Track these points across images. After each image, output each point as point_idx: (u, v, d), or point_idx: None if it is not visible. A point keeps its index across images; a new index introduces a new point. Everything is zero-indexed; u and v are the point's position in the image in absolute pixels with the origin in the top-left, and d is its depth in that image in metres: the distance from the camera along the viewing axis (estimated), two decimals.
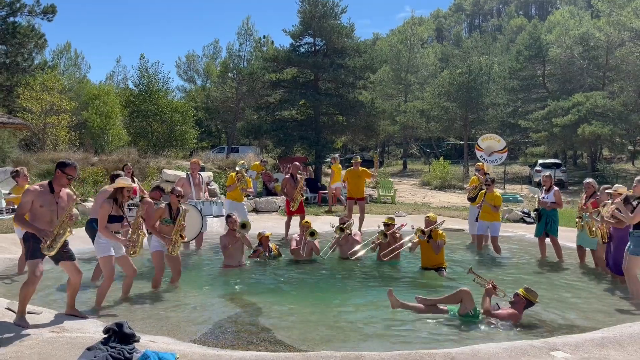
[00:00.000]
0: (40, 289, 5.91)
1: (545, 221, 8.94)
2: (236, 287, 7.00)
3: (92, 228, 6.79)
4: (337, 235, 8.73)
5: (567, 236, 9.77)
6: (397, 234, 8.45)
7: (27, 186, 6.58)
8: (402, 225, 8.75)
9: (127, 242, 5.90)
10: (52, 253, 4.99)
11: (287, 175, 10.61)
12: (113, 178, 7.36)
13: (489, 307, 5.63)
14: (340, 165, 14.77)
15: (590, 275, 7.97)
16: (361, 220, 11.10)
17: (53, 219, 5.02)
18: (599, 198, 7.95)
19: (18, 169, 7.44)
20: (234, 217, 8.27)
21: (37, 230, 4.91)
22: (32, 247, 4.96)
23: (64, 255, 5.15)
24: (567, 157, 38.16)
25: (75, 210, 7.14)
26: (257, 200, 14.76)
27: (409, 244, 8.20)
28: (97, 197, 7.06)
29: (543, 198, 9.02)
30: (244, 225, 8.40)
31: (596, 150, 33.47)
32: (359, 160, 11.30)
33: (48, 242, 4.92)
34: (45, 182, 5.19)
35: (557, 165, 26.91)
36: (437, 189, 24.08)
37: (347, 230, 8.76)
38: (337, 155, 16.57)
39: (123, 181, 5.90)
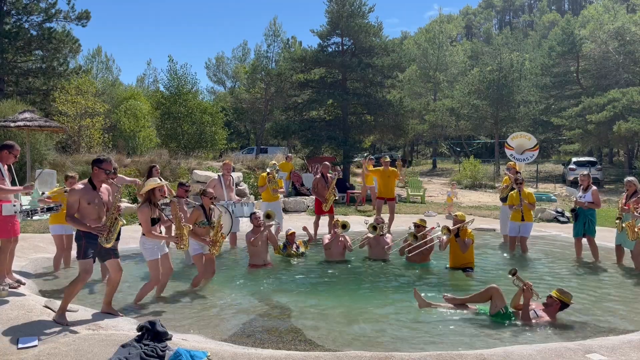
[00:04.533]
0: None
1: (583, 221, 8.72)
2: (266, 286, 7.04)
3: None
4: (370, 234, 8.68)
5: (604, 236, 9.52)
6: (427, 236, 8.38)
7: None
8: (432, 228, 8.68)
9: (175, 239, 6.04)
10: (110, 245, 5.17)
11: (318, 176, 10.60)
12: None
13: (521, 307, 5.50)
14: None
15: (629, 276, 7.74)
16: (391, 220, 11.01)
17: (100, 214, 5.17)
18: None
19: (72, 174, 7.55)
20: (257, 213, 8.37)
21: (92, 228, 5.05)
22: (85, 247, 5.11)
23: (111, 252, 5.30)
24: (603, 155, 37.18)
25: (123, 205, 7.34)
26: (286, 200, 14.83)
27: (437, 241, 8.14)
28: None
29: (580, 197, 8.79)
30: (268, 216, 8.53)
31: (633, 148, 32.54)
32: (388, 159, 11.20)
33: (105, 235, 5.10)
34: (85, 180, 5.32)
35: (592, 163, 26.19)
36: (468, 188, 23.76)
37: (379, 231, 8.69)
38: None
39: (152, 182, 6.01)
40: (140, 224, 5.91)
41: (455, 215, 8.07)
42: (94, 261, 5.24)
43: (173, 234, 6.17)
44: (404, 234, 9.14)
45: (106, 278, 6.97)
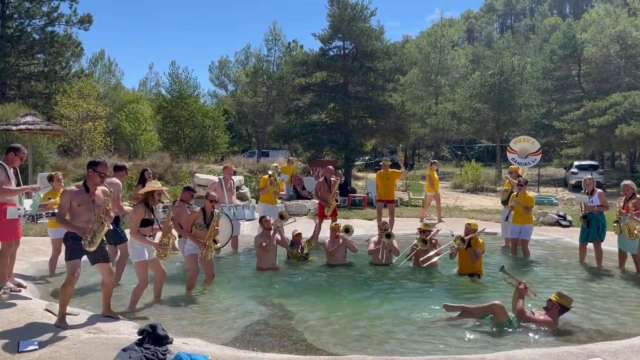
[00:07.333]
0: (77, 291, 6.05)
1: (597, 226, 8.57)
2: (268, 289, 7.02)
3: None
4: (384, 241, 8.44)
5: (606, 240, 9.48)
6: (433, 240, 8.30)
7: (61, 189, 6.83)
8: (437, 230, 8.62)
9: (158, 245, 5.93)
10: (93, 249, 5.07)
11: (321, 179, 10.57)
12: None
13: (522, 308, 5.46)
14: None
15: (631, 281, 7.71)
16: (391, 223, 10.96)
17: (90, 217, 5.13)
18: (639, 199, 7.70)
19: (53, 173, 7.70)
20: (267, 217, 8.35)
21: (77, 229, 5.04)
22: (72, 248, 5.09)
23: (101, 256, 5.26)
24: (605, 159, 37.16)
25: (128, 208, 7.32)
26: (287, 203, 14.83)
27: (448, 251, 8.01)
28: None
29: (589, 203, 8.73)
30: (282, 216, 8.55)
31: (635, 151, 32.51)
32: (388, 162, 11.23)
33: (88, 239, 5.04)
34: (80, 182, 5.33)
35: (594, 167, 26.17)
36: (469, 192, 23.73)
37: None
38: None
39: (153, 185, 5.99)
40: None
41: (468, 224, 7.93)
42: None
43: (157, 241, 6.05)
44: (403, 237, 9.09)
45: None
